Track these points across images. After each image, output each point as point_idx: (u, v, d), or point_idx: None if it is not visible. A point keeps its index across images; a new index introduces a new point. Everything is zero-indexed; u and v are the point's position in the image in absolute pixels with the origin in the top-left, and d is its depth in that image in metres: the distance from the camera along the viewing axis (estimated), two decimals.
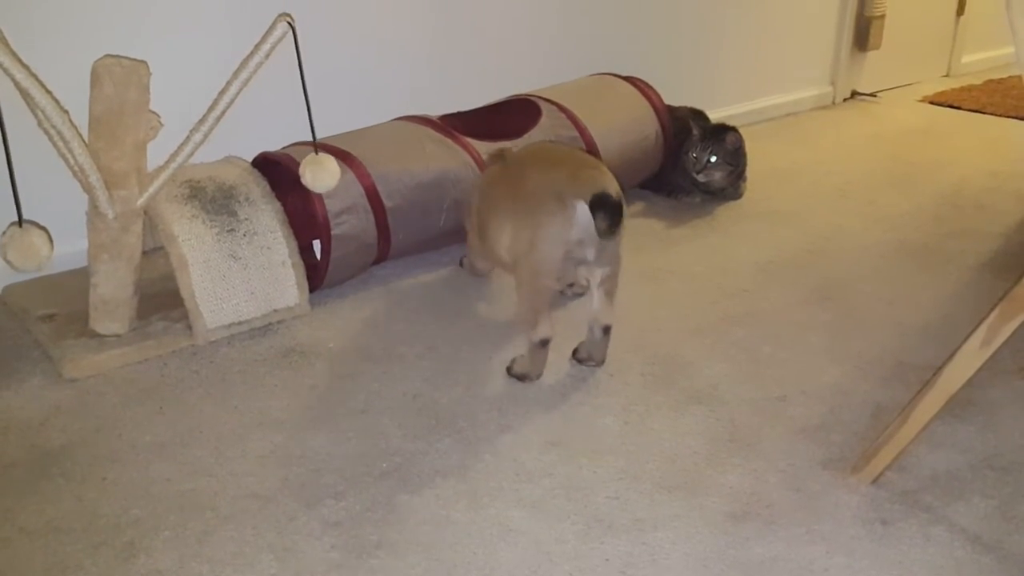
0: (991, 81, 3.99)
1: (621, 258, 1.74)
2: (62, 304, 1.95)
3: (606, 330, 1.77)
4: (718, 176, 2.57)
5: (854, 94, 3.77)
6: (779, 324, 1.96)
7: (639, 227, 2.50)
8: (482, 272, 2.15)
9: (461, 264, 2.21)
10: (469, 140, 2.27)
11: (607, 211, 1.60)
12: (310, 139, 2.13)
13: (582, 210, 1.61)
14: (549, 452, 1.53)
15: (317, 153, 1.90)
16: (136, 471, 1.49)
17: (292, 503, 1.41)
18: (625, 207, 1.66)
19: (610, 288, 1.74)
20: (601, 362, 1.79)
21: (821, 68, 3.68)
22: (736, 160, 2.59)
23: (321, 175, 1.89)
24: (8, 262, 1.58)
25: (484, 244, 1.85)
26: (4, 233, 1.58)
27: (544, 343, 1.71)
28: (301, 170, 1.89)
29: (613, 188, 1.65)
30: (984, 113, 3.57)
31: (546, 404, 1.67)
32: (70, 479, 1.47)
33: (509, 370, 1.76)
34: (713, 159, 2.54)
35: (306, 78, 1.82)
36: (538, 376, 1.74)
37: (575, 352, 1.81)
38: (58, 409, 1.66)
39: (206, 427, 1.60)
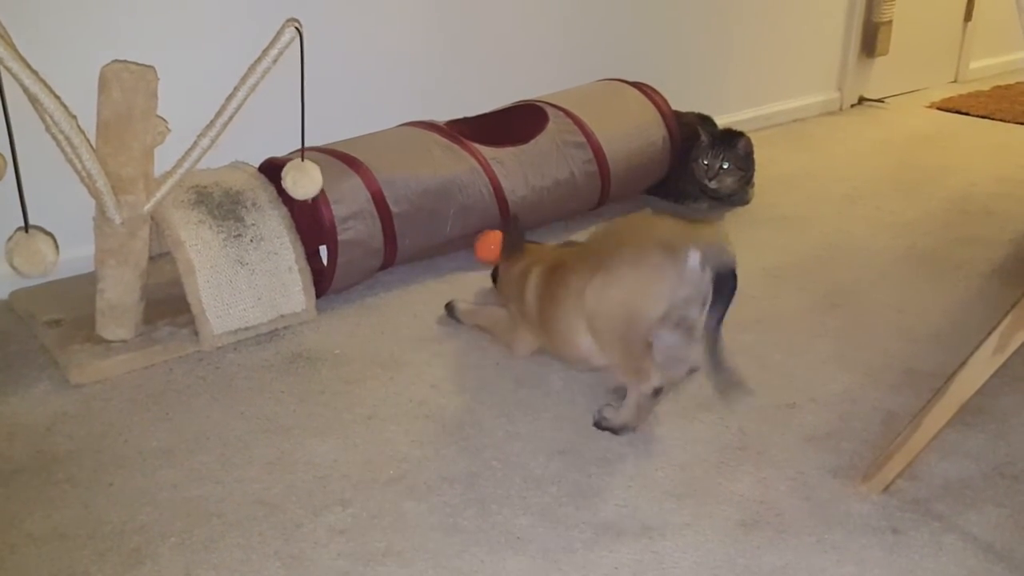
0: (999, 87, 3.98)
1: None
2: (69, 309, 1.94)
3: (691, 372, 1.62)
4: (729, 182, 2.56)
5: (861, 100, 3.77)
6: (788, 331, 1.95)
7: None
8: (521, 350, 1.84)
9: (449, 313, 1.98)
10: (476, 146, 2.27)
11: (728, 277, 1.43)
12: (318, 145, 2.13)
13: (694, 262, 1.43)
14: (557, 459, 1.53)
15: (303, 159, 1.90)
16: (142, 477, 1.48)
17: (299, 510, 1.40)
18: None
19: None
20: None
21: (828, 74, 3.67)
22: (747, 165, 2.59)
23: (302, 181, 1.89)
24: (14, 267, 1.58)
25: (545, 319, 1.69)
26: (10, 239, 1.58)
27: (657, 392, 1.52)
28: (283, 174, 1.89)
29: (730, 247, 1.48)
30: (992, 119, 3.57)
31: (554, 411, 1.66)
32: (76, 485, 1.47)
33: (601, 424, 1.58)
34: (726, 165, 2.54)
35: (313, 84, 1.82)
36: (636, 427, 1.56)
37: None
38: (64, 415, 1.65)
39: (212, 433, 1.60)
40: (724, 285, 1.45)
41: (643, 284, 1.49)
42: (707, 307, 1.47)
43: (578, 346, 1.64)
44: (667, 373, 1.57)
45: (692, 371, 1.63)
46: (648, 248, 1.49)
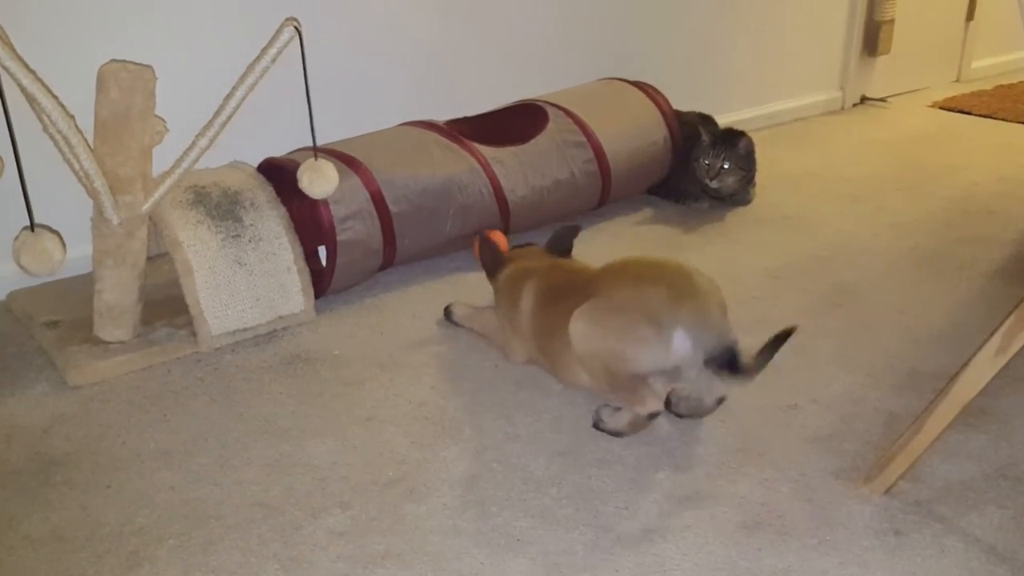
0: (1002, 86, 3.96)
1: None
2: (66, 311, 1.94)
3: (720, 401, 1.60)
4: (730, 181, 2.55)
5: (864, 99, 3.75)
6: None
7: (649, 234, 2.49)
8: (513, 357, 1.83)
9: (448, 316, 1.98)
10: (476, 145, 2.26)
11: (728, 359, 1.43)
12: (317, 144, 2.12)
13: (679, 343, 1.45)
14: (557, 461, 1.52)
15: (317, 159, 1.89)
16: (140, 479, 1.48)
17: (297, 512, 1.40)
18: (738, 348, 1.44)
19: None
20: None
21: (830, 73, 3.66)
22: (748, 165, 2.58)
23: (319, 181, 1.88)
24: (21, 266, 1.57)
25: (541, 345, 1.71)
26: (17, 238, 1.57)
27: (653, 416, 1.53)
28: (299, 175, 1.88)
29: (722, 317, 1.48)
30: (995, 118, 3.55)
31: (554, 412, 1.66)
32: (74, 487, 1.46)
33: (598, 425, 1.59)
34: (727, 165, 2.53)
35: (312, 83, 1.81)
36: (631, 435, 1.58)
37: (670, 404, 1.60)
38: (62, 416, 1.65)
39: (210, 435, 1.59)
40: (725, 362, 1.44)
41: (626, 351, 1.49)
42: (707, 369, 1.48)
43: (574, 375, 1.64)
44: (696, 406, 1.60)
45: (721, 401, 1.60)
46: (637, 320, 1.48)
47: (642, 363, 1.49)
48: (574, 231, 1.93)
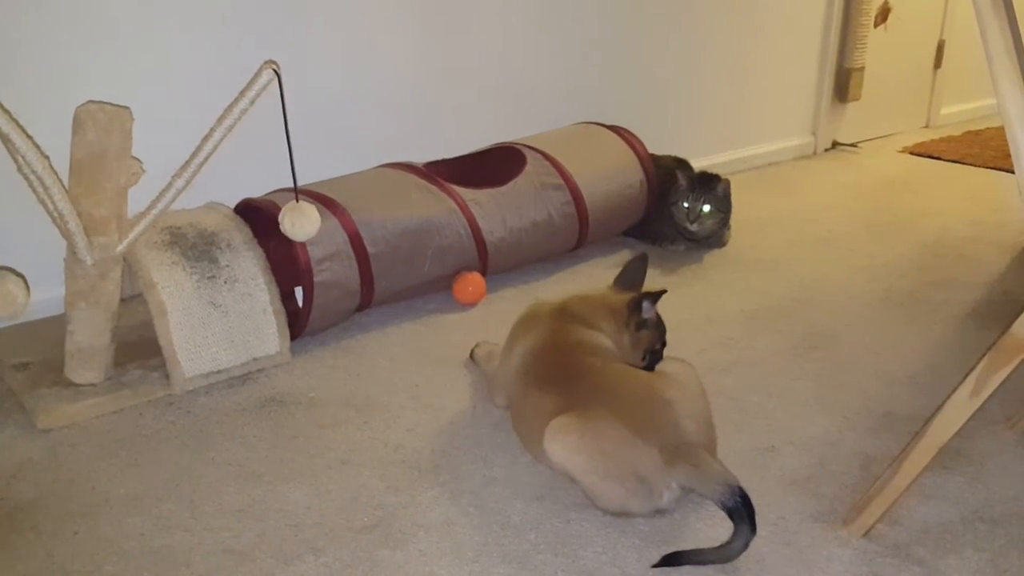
0: (970, 132, 4.05)
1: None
2: (37, 352, 1.91)
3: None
4: (709, 224, 2.58)
5: (835, 144, 3.82)
6: (766, 373, 1.95)
7: None
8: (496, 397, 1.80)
9: (472, 356, 1.96)
10: (454, 187, 2.27)
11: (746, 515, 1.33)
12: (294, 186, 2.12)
13: (671, 496, 1.43)
14: (535, 505, 1.50)
15: (298, 201, 1.89)
16: (109, 525, 1.44)
17: (269, 559, 1.37)
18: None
19: None
20: None
21: (802, 119, 3.73)
22: (726, 208, 2.61)
23: (301, 222, 1.88)
24: None
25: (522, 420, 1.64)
26: None
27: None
28: (280, 217, 1.88)
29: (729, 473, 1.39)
30: (964, 164, 3.62)
31: None
32: (41, 534, 1.42)
33: None
34: (707, 208, 2.55)
35: (292, 125, 1.82)
36: None
37: None
38: (30, 461, 1.61)
39: (182, 480, 1.56)
40: (739, 518, 1.33)
41: (611, 497, 1.44)
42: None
43: (543, 457, 1.55)
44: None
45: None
46: (627, 474, 1.41)
47: (628, 509, 1.44)
48: (644, 261, 1.84)
